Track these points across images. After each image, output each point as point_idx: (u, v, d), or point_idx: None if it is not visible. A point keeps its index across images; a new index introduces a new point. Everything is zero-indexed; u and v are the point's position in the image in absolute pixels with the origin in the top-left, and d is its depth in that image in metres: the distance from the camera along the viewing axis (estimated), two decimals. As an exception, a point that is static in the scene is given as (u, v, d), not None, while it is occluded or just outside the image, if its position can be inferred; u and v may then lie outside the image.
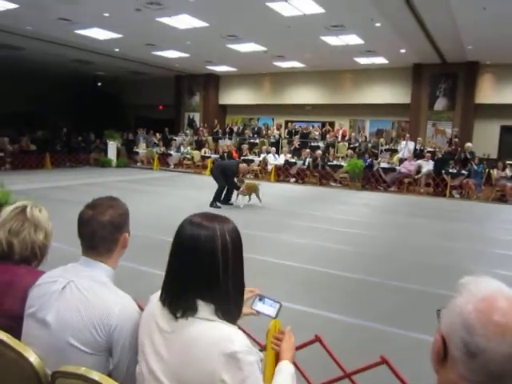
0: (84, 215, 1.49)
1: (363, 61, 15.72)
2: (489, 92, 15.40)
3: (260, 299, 1.56)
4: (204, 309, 1.19)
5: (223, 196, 9.47)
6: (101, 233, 1.46)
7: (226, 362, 1.12)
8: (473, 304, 0.81)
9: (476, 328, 0.79)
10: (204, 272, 1.19)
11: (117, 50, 15.48)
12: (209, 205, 9.06)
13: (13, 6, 10.37)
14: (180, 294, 1.20)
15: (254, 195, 9.59)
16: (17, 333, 1.39)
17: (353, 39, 12.69)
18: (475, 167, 12.47)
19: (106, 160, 17.72)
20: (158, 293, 1.31)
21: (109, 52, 15.85)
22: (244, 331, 1.34)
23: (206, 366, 1.13)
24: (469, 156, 12.93)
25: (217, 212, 1.33)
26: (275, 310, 1.54)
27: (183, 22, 11.53)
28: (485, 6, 9.09)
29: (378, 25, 11.02)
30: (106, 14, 11.05)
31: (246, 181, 9.52)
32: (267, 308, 1.54)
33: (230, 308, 1.22)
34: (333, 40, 12.88)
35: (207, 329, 1.17)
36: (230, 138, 18.27)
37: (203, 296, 1.19)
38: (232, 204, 9.47)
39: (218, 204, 9.21)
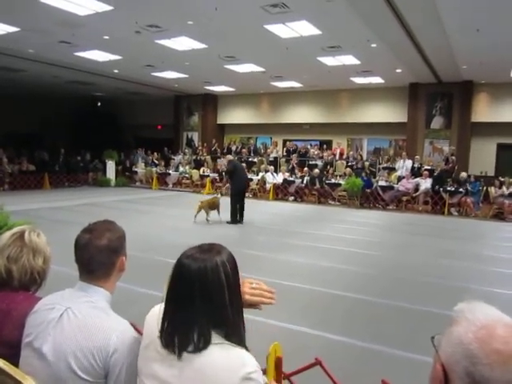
0: (81, 240, 1.49)
1: (360, 80, 15.92)
2: (484, 110, 15.57)
3: None
4: (215, 336, 1.20)
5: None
6: (98, 257, 1.47)
7: None
8: (473, 333, 0.81)
9: (479, 357, 0.79)
10: (213, 303, 1.21)
11: (116, 71, 15.67)
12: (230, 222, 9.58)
13: (14, 29, 10.53)
14: (190, 329, 1.20)
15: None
16: (15, 360, 1.38)
17: (349, 59, 12.88)
18: (469, 188, 12.56)
19: (104, 180, 17.78)
20: (154, 313, 1.31)
21: (108, 73, 16.03)
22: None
23: None
24: (464, 179, 13.03)
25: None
26: None
27: (182, 43, 11.70)
28: (478, 28, 9.27)
29: (373, 46, 11.20)
30: (106, 37, 11.22)
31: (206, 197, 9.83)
32: None
33: (237, 330, 1.24)
34: (329, 60, 13.07)
35: (219, 354, 1.18)
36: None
37: (213, 325, 1.21)
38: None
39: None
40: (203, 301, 1.20)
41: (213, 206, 9.56)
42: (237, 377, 1.14)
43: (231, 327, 1.22)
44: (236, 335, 1.23)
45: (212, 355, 1.17)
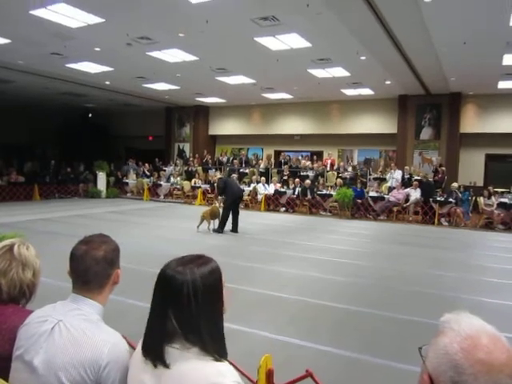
0: (77, 251, 1.49)
1: (350, 92, 16.08)
2: (473, 121, 15.79)
3: None
4: (192, 349, 1.20)
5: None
6: (94, 268, 1.47)
7: None
8: (458, 343, 0.83)
9: (464, 367, 0.80)
10: (182, 315, 1.21)
11: (108, 82, 15.68)
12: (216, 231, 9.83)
13: (5, 41, 10.52)
14: (162, 338, 1.21)
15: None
16: (5, 374, 1.37)
17: (339, 72, 13.02)
18: (460, 195, 12.71)
19: (95, 191, 17.67)
20: None
21: (100, 85, 16.04)
22: (235, 367, 1.34)
23: None
24: (455, 188, 13.16)
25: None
26: None
27: (173, 55, 11.76)
28: (465, 41, 9.46)
29: (363, 58, 11.35)
30: (98, 49, 11.24)
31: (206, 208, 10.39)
32: None
33: (214, 346, 1.22)
34: (320, 72, 13.20)
35: (199, 365, 1.17)
36: (220, 169, 18.38)
37: (187, 337, 1.20)
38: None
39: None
40: (174, 310, 1.21)
41: (214, 215, 9.92)
42: None
43: (203, 340, 1.20)
44: (216, 350, 1.21)
45: (192, 365, 1.17)
